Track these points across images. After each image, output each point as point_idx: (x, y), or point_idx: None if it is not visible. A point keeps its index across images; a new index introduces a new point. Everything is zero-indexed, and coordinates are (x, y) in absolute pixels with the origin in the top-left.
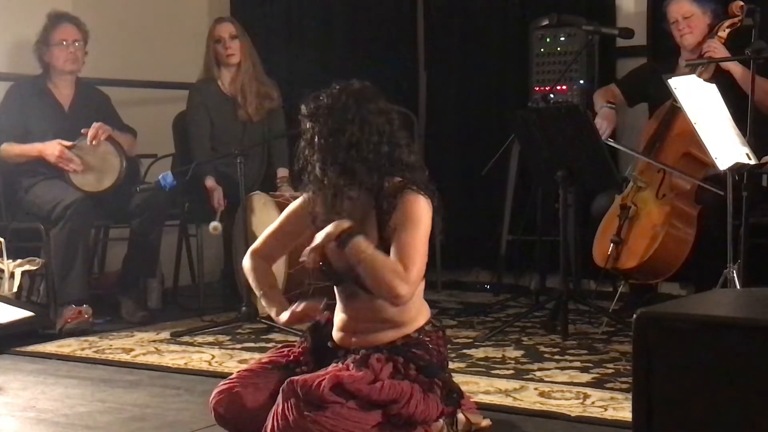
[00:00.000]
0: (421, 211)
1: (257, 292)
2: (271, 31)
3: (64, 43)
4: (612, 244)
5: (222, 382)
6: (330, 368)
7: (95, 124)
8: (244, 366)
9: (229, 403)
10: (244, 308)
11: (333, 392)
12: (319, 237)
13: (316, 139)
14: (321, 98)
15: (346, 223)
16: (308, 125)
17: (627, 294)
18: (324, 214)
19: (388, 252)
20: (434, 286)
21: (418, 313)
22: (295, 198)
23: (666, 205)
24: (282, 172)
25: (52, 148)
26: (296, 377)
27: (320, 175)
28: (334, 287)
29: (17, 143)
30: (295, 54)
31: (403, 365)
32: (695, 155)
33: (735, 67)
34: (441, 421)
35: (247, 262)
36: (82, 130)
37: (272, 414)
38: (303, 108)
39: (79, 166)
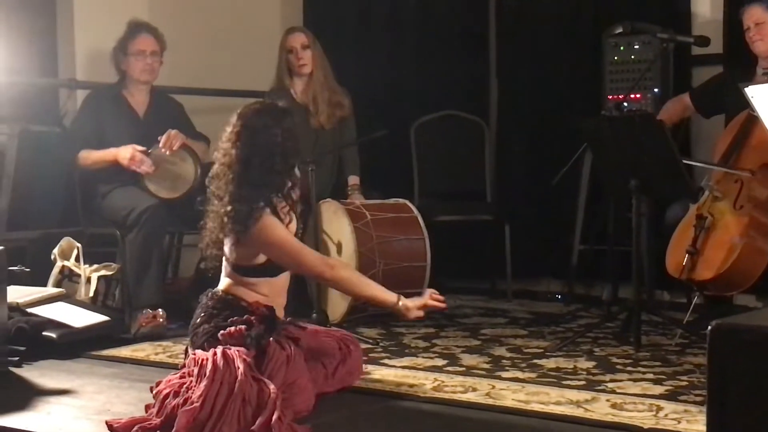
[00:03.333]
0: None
1: (367, 293)
2: (342, 39)
3: (141, 53)
4: (687, 255)
5: None
6: None
7: (169, 131)
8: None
9: None
10: (314, 314)
11: None
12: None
13: None
14: None
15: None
16: None
17: (701, 305)
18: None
19: None
20: (505, 295)
21: None
22: (365, 206)
23: (744, 216)
24: (353, 179)
25: (125, 151)
26: None
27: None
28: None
29: (93, 150)
30: (366, 62)
31: None
32: None
33: None
34: None
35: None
36: (158, 138)
37: None
38: None
39: (151, 167)
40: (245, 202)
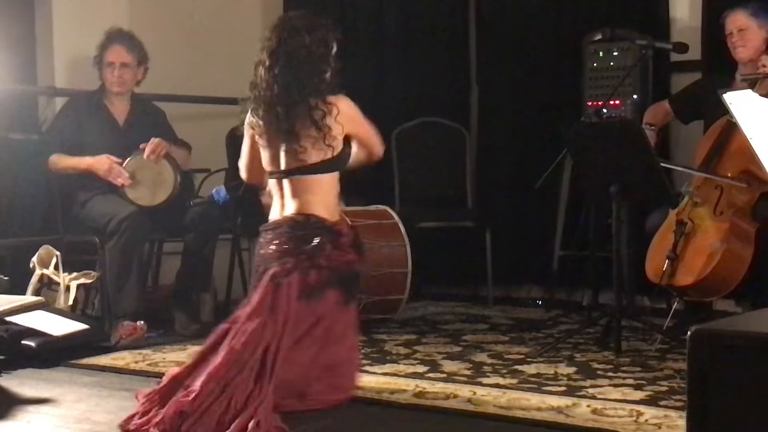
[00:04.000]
0: None
1: None
2: None
3: (111, 65)
4: (667, 261)
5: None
6: None
7: (154, 140)
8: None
9: None
10: None
11: None
12: None
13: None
14: None
15: None
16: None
17: (681, 311)
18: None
19: None
20: (485, 301)
21: None
22: (345, 212)
23: (724, 222)
24: None
25: (100, 163)
26: None
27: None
28: None
29: (68, 155)
30: (346, 68)
31: None
32: (754, 172)
33: None
34: None
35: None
36: (141, 146)
37: None
38: None
39: (127, 180)
40: (299, 92)
